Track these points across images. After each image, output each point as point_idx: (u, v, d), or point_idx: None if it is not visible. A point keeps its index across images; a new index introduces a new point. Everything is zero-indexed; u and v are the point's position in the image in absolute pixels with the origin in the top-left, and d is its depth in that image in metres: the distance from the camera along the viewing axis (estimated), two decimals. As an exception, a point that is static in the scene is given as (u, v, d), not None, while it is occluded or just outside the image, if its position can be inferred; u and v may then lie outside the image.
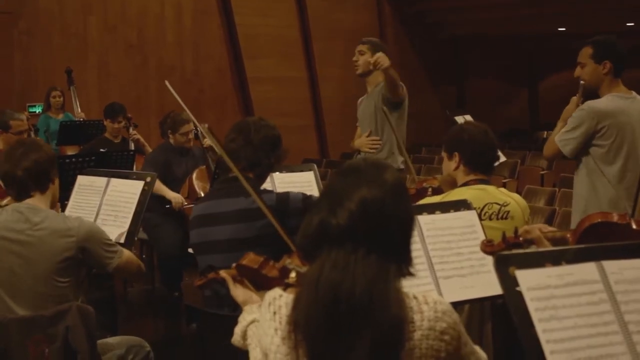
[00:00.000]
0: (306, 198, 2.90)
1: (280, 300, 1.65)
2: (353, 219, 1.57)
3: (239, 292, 2.17)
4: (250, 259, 2.16)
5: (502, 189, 3.15)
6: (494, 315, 2.87)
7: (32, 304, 2.77)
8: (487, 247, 2.35)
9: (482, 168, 3.08)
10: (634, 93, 3.71)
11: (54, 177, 3.00)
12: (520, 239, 2.43)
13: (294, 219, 2.71)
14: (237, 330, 2.00)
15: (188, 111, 3.67)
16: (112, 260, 2.94)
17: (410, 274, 1.63)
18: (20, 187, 2.92)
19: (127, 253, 3.05)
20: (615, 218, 2.31)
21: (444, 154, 3.18)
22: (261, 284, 2.14)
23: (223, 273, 2.24)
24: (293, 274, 1.80)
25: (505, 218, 2.98)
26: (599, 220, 2.30)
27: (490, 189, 3.05)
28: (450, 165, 3.11)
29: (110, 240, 3.03)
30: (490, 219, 2.94)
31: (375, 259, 1.55)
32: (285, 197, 2.89)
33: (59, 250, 2.81)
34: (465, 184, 3.06)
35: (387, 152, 4.69)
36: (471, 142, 3.05)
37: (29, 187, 2.91)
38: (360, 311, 1.51)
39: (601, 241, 2.31)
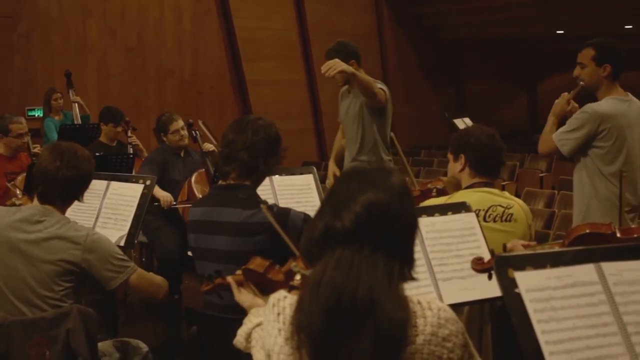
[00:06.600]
0: (307, 219, 2.76)
1: (284, 301, 1.65)
2: (358, 221, 1.56)
3: (244, 297, 2.20)
4: (257, 263, 2.19)
5: (505, 193, 3.17)
6: (493, 317, 2.87)
7: (33, 304, 2.76)
8: (477, 265, 2.37)
9: (487, 171, 3.08)
10: (630, 95, 3.74)
11: (80, 196, 2.96)
12: None
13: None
14: (241, 332, 1.99)
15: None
16: (117, 276, 2.82)
17: (412, 278, 1.63)
18: (48, 189, 2.86)
19: (142, 272, 2.91)
20: (601, 229, 2.34)
21: (449, 156, 3.18)
22: (267, 288, 2.15)
23: (229, 278, 2.26)
24: (298, 277, 1.81)
25: (509, 220, 2.99)
26: (588, 231, 2.33)
27: (495, 192, 3.06)
28: (455, 167, 3.12)
29: (122, 255, 2.88)
30: (495, 221, 2.96)
31: (381, 257, 1.55)
32: (285, 213, 2.79)
33: (63, 256, 2.77)
34: (470, 187, 3.07)
35: (367, 151, 4.82)
36: (477, 145, 3.05)
37: (56, 194, 2.87)
38: (362, 311, 1.51)
39: None
